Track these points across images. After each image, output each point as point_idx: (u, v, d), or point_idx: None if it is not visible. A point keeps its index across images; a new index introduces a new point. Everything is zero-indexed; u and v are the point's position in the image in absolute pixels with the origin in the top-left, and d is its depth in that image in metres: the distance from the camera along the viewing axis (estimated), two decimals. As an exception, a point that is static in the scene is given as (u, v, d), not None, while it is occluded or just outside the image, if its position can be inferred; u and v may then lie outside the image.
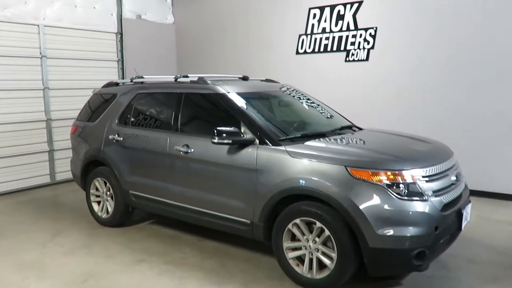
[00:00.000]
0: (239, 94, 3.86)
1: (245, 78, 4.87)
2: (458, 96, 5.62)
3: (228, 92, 3.83)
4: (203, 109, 4.12)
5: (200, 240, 4.29)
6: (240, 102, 3.75)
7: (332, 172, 3.05)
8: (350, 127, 4.17)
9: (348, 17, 6.44)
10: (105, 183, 4.66)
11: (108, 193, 4.66)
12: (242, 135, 3.47)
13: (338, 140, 3.55)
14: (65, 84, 6.80)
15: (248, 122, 3.56)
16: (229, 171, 3.56)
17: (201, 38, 8.32)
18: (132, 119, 4.47)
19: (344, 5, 6.46)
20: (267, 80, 4.95)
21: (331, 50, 6.65)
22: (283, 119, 4.07)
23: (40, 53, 6.48)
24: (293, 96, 4.44)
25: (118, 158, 4.45)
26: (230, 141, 3.42)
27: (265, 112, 3.92)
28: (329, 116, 4.32)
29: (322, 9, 6.70)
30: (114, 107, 4.66)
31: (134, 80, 4.73)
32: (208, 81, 4.01)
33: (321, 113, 4.33)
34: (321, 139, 3.52)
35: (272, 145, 3.38)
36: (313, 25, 6.82)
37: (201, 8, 8.26)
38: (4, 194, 6.19)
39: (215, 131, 3.40)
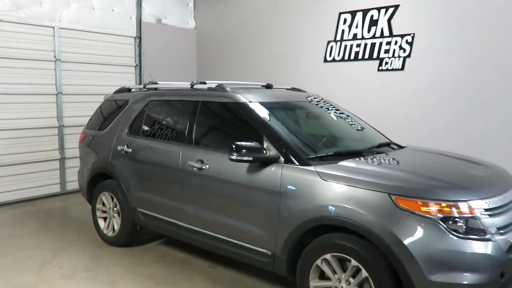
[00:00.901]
0: (262, 104, 3.38)
1: (268, 86, 4.41)
2: (507, 111, 5.00)
3: (250, 102, 3.36)
4: (220, 120, 3.67)
5: (213, 267, 3.81)
6: (263, 113, 3.27)
7: (372, 200, 2.52)
8: (389, 145, 3.63)
9: (383, 23, 5.91)
10: (112, 198, 4.25)
11: (115, 209, 4.24)
12: (264, 152, 2.98)
13: (378, 160, 3.02)
14: (80, 89, 6.48)
15: (272, 136, 3.08)
16: (248, 193, 3.07)
17: (223, 44, 7.92)
18: (143, 129, 4.04)
19: (378, 9, 5.94)
20: (293, 89, 4.47)
21: (363, 58, 6.13)
22: (312, 134, 3.56)
23: (54, 57, 6.19)
24: (322, 107, 3.94)
25: (126, 172, 4.02)
26: (251, 158, 2.94)
27: (292, 125, 3.43)
28: (363, 131, 3.80)
29: (353, 13, 6.20)
30: (124, 115, 4.25)
31: (147, 86, 4.32)
32: (228, 89, 3.56)
33: (354, 127, 3.81)
34: (357, 158, 3.01)
35: (300, 164, 2.88)
36: (343, 31, 6.32)
37: (224, 13, 7.88)
38: (11, 204, 5.86)
39: (233, 146, 2.93)
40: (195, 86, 3.82)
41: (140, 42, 7.27)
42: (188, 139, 3.59)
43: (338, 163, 2.86)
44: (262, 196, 2.98)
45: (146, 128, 4.04)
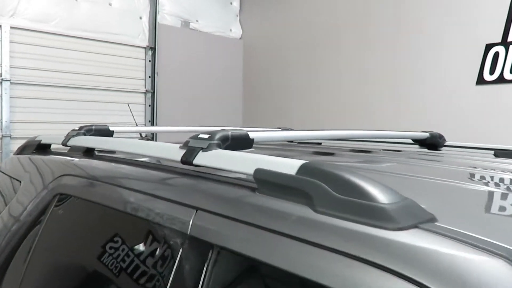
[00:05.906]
0: None
1: (434, 143, 1.44)
2: None
3: None
4: None
5: None
6: None
7: None
8: None
9: None
10: None
11: None
12: None
13: None
14: (42, 130, 3.85)
15: None
16: None
17: (284, 60, 5.05)
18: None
19: None
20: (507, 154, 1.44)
21: None
22: None
23: (0, 75, 3.64)
24: None
25: None
26: None
27: None
28: None
29: (549, -12, 3.13)
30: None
31: (69, 142, 1.41)
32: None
33: None
34: None
35: None
36: (523, 23, 3.25)
37: (286, 14, 5.05)
38: None
39: None
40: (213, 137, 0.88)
41: (154, 55, 4.62)
42: None
43: None
44: None
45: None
